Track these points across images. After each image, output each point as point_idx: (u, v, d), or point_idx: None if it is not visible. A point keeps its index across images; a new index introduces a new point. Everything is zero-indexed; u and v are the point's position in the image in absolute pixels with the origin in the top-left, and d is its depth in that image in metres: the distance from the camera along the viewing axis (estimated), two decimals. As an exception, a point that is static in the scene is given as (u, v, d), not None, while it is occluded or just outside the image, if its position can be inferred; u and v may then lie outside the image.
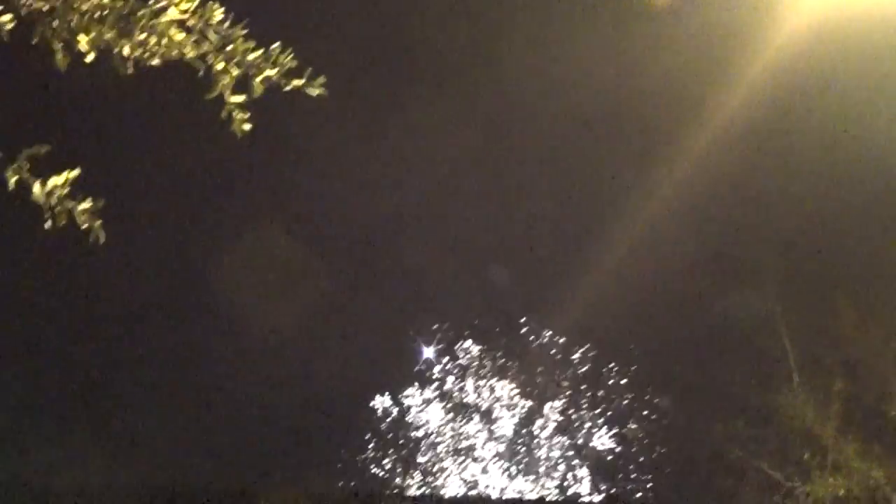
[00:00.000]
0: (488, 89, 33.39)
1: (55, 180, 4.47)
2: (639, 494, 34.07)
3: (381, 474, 35.87)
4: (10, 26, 4.52)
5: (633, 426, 33.95)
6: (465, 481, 35.06)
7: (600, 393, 34.93)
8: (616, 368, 34.69)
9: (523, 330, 35.84)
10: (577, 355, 35.15)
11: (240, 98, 4.90)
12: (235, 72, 4.85)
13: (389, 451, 36.07)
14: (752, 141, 26.67)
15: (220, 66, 4.82)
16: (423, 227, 39.06)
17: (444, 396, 36.10)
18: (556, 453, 35.05)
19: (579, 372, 35.20)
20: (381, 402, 36.45)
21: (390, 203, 36.88)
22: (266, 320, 34.72)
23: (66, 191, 4.48)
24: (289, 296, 34.34)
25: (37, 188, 4.46)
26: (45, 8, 4.63)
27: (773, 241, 26.40)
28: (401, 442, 36.01)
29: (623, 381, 34.55)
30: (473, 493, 34.65)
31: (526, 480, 35.03)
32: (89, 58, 4.70)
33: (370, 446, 36.18)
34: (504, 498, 34.38)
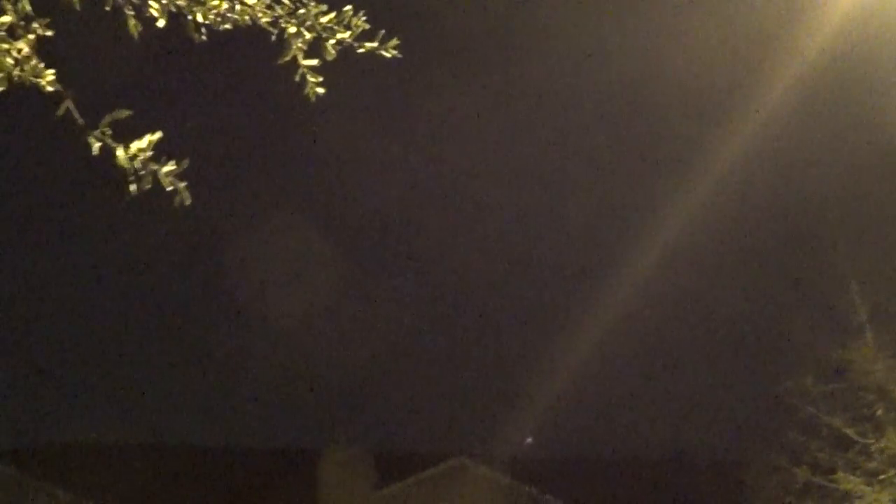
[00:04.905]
0: (512, 82, 33.04)
1: (138, 144, 4.47)
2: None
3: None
4: (81, -6, 4.51)
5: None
6: None
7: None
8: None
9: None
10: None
11: (312, 62, 4.86)
12: (308, 35, 4.81)
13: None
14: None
15: (292, 29, 4.78)
16: (441, 212, 39.02)
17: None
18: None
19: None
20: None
21: (407, 190, 36.85)
22: (286, 303, 34.96)
23: (149, 154, 4.47)
24: (307, 280, 34.51)
25: (120, 152, 4.46)
26: (116, -25, 4.60)
27: (841, 196, 26.05)
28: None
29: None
30: None
31: None
32: (160, 24, 4.67)
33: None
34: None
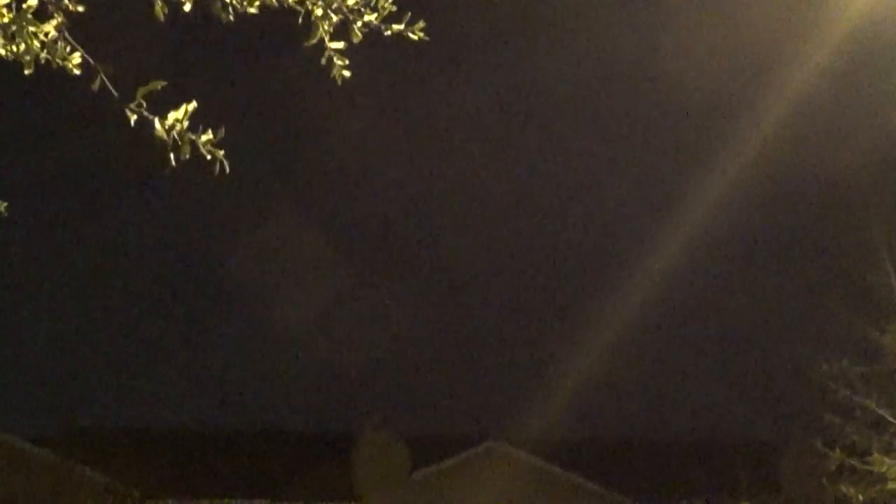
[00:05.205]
0: (524, 80, 32.88)
1: (174, 115, 4.47)
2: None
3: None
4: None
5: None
6: None
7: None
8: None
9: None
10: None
11: (339, 44, 4.84)
12: (335, 18, 4.78)
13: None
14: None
15: (319, 11, 4.76)
16: (443, 217, 38.99)
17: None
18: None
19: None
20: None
21: (410, 194, 36.85)
22: (321, 291, 35.00)
23: (186, 124, 4.48)
24: (340, 268, 34.51)
25: (157, 124, 4.46)
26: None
27: (878, 177, 25.85)
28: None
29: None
30: None
31: None
32: (187, 6, 4.67)
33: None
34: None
